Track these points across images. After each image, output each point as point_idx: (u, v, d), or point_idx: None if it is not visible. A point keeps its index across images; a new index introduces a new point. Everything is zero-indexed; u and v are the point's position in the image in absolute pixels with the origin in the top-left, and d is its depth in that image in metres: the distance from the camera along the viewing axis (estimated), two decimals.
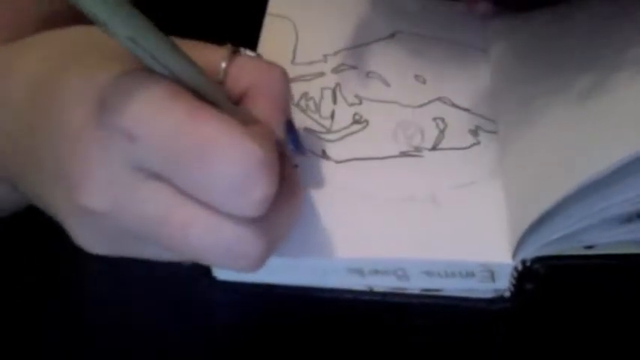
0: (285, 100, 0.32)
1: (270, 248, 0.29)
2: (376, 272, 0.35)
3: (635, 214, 0.33)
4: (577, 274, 0.35)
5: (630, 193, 0.32)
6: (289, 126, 0.32)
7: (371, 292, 0.36)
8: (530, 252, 0.34)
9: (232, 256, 0.28)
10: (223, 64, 0.31)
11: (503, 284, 0.34)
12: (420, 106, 0.40)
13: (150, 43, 0.25)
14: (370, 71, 0.42)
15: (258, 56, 0.33)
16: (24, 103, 0.30)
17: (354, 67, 0.42)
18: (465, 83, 0.41)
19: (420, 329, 0.35)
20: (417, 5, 0.45)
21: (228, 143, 0.26)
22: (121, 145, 0.26)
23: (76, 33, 0.32)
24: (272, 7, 0.46)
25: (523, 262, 0.34)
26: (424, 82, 0.41)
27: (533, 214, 0.32)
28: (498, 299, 0.35)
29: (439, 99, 0.40)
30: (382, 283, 0.35)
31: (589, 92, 0.34)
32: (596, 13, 0.39)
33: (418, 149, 0.38)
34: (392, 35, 0.44)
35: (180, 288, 0.36)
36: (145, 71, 0.27)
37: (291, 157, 0.32)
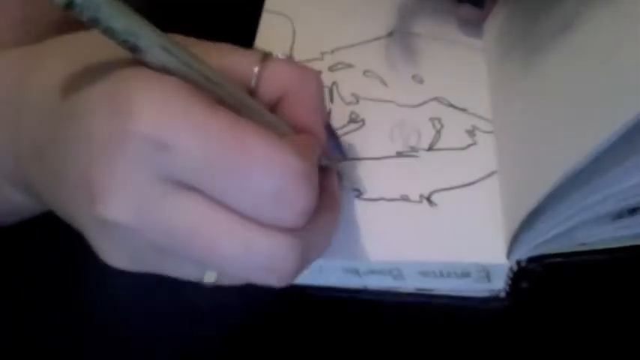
0: (322, 104, 0.31)
1: (304, 264, 0.28)
2: (372, 272, 0.35)
3: (625, 210, 0.33)
4: (572, 271, 0.35)
5: (614, 187, 0.32)
6: (330, 131, 0.31)
7: (366, 292, 0.36)
8: (525, 252, 0.34)
9: (263, 269, 0.27)
10: (256, 69, 0.30)
11: (499, 284, 0.35)
12: (417, 105, 0.40)
13: (179, 51, 0.26)
14: (367, 70, 0.42)
15: (290, 59, 0.32)
16: (47, 109, 0.29)
17: (351, 66, 0.42)
18: (462, 83, 0.41)
19: (416, 329, 0.35)
20: (415, 4, 0.45)
21: (266, 155, 0.26)
22: (150, 155, 0.25)
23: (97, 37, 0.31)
24: (269, 4, 0.46)
25: (518, 262, 0.34)
26: (421, 81, 0.41)
27: (524, 213, 0.32)
28: (494, 299, 0.35)
29: (436, 99, 0.40)
30: (378, 283, 0.35)
31: (580, 90, 0.34)
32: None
33: (414, 149, 0.38)
34: (390, 34, 0.44)
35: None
36: (175, 79, 0.26)
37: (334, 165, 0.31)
